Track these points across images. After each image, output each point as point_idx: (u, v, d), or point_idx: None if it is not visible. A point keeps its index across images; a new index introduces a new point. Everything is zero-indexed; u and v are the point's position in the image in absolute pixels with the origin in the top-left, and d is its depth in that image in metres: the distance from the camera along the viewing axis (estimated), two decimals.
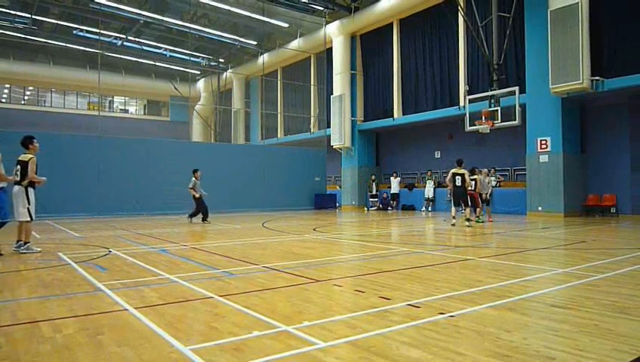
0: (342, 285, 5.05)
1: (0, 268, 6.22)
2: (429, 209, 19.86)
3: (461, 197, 12.56)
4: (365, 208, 22.90)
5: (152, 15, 24.96)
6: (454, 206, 12.75)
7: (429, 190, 19.95)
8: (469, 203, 12.79)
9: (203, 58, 32.49)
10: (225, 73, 32.06)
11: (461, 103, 18.45)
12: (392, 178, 21.91)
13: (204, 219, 14.31)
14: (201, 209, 14.31)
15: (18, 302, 4.29)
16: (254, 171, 21.38)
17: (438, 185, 20.18)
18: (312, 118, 27.50)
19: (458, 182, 12.42)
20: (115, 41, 29.26)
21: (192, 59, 29.27)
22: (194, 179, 14.15)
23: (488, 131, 16.18)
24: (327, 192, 24.81)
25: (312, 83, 27.53)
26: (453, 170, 12.67)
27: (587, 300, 4.21)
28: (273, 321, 3.56)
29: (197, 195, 14.13)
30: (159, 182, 18.65)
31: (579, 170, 16.12)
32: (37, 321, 3.64)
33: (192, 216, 14.32)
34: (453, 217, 12.67)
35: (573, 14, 14.27)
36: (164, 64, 32.18)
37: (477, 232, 11.03)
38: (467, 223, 12.45)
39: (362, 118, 23.83)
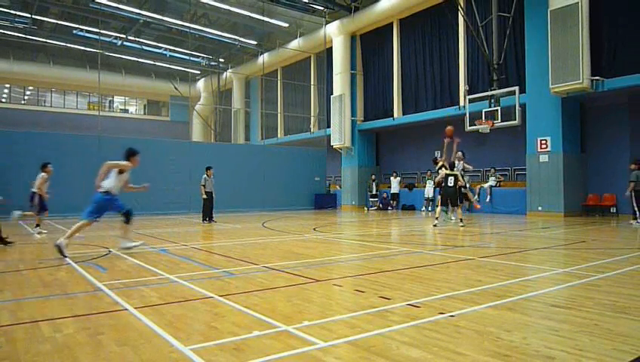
0: (342, 285, 5.05)
1: (0, 268, 6.22)
2: (429, 209, 19.86)
3: (451, 197, 12.54)
4: (365, 208, 22.91)
5: (152, 15, 24.96)
6: (441, 205, 12.91)
7: (428, 190, 19.95)
8: (460, 201, 12.80)
9: (203, 58, 32.49)
10: (225, 73, 32.06)
11: (461, 103, 18.45)
12: (392, 178, 21.91)
13: (204, 219, 14.32)
14: (204, 208, 14.33)
15: (18, 302, 4.29)
16: (254, 171, 21.37)
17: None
18: (312, 118, 27.50)
19: (450, 183, 12.39)
20: (115, 40, 29.26)
21: (192, 59, 29.31)
22: (205, 176, 14.20)
23: (488, 131, 16.19)
24: (331, 191, 24.86)
25: (312, 83, 27.53)
26: (446, 172, 12.62)
27: (587, 300, 4.21)
28: (273, 321, 3.56)
29: (202, 195, 14.19)
30: (159, 182, 18.63)
31: (579, 170, 16.13)
32: (37, 321, 3.64)
33: (209, 217, 14.37)
34: (437, 218, 12.66)
35: (573, 14, 14.27)
36: (164, 64, 32.19)
37: (477, 232, 11.03)
38: (461, 224, 12.26)
39: (362, 118, 23.83)
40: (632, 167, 12.85)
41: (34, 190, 10.99)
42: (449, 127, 12.57)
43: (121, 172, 7.46)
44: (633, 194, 12.64)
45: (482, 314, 3.75)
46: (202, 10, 25.65)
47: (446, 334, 3.25)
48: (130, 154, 7.74)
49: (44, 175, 11.09)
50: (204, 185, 14.18)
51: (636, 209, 12.63)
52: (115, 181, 7.44)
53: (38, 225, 11.09)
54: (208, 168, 14.35)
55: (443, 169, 12.78)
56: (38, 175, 11.08)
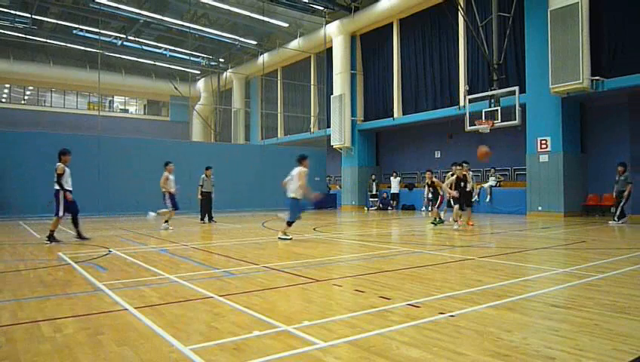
0: (342, 285, 5.05)
1: (0, 268, 6.22)
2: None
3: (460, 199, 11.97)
4: (365, 208, 22.90)
5: (152, 15, 24.96)
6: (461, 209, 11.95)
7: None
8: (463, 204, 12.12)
9: (203, 58, 32.50)
10: (225, 73, 32.08)
11: (461, 103, 18.45)
12: (392, 178, 21.91)
13: (202, 219, 14.24)
14: (201, 208, 14.27)
15: (18, 302, 4.29)
16: (254, 171, 21.36)
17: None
18: (312, 118, 27.50)
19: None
20: (115, 40, 29.27)
21: (192, 58, 29.30)
22: (203, 176, 14.12)
23: (488, 131, 16.18)
24: (332, 192, 24.83)
25: (312, 83, 27.53)
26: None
27: (587, 300, 4.21)
28: (273, 321, 3.56)
29: (198, 195, 14.13)
30: (159, 182, 18.62)
31: (579, 170, 16.12)
32: (37, 321, 3.64)
33: (209, 217, 14.31)
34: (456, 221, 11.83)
35: (573, 14, 14.27)
36: (164, 64, 32.20)
37: (477, 232, 11.02)
38: (455, 226, 11.74)
39: (362, 118, 23.83)
40: (621, 169, 12.97)
41: (163, 190, 11.97)
42: (484, 150, 11.77)
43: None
44: (626, 195, 12.82)
45: (482, 314, 3.75)
46: (202, 10, 25.65)
47: (446, 334, 3.25)
48: (302, 159, 9.27)
49: (166, 173, 11.96)
50: (201, 185, 14.12)
51: (619, 210, 12.89)
52: (294, 187, 9.17)
53: (166, 221, 11.95)
54: (207, 168, 14.32)
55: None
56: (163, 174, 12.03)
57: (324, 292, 4.69)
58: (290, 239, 9.26)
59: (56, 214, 8.86)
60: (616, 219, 12.89)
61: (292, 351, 2.91)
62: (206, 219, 14.30)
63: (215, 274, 5.71)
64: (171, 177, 12.13)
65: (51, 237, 8.80)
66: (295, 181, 9.16)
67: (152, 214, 12.31)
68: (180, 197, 18.90)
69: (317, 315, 3.75)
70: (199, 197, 14.16)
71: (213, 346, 3.03)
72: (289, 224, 9.40)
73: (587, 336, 3.19)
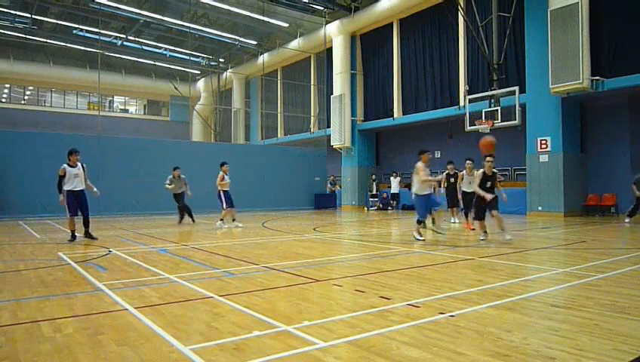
0: (342, 285, 5.04)
1: (0, 268, 6.22)
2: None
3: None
4: (365, 208, 22.89)
5: (152, 15, 24.96)
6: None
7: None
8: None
9: (203, 58, 32.50)
10: (225, 73, 32.08)
11: (461, 103, 18.46)
12: (392, 178, 21.90)
13: (192, 219, 13.96)
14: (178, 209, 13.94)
15: (18, 302, 4.29)
16: (254, 171, 21.35)
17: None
18: (312, 118, 27.51)
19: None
20: (115, 40, 29.27)
21: (192, 58, 29.30)
22: (170, 177, 13.61)
23: (488, 131, 16.18)
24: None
25: (312, 83, 27.53)
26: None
27: (587, 300, 4.21)
28: (273, 321, 3.56)
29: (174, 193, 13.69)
30: (159, 182, 18.61)
31: (579, 170, 16.12)
32: (37, 321, 3.64)
33: (180, 216, 13.92)
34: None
35: (573, 14, 14.27)
36: (164, 64, 32.19)
37: (477, 232, 11.00)
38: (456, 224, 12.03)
39: (362, 118, 23.84)
40: None
41: (219, 188, 12.27)
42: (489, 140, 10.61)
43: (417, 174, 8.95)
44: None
45: (482, 314, 3.75)
46: (202, 10, 25.65)
47: (446, 334, 3.25)
48: (420, 153, 9.17)
49: (222, 174, 12.22)
50: (169, 186, 13.44)
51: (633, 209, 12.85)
52: (416, 184, 8.98)
53: (234, 220, 12.40)
54: (175, 168, 13.62)
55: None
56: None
57: (324, 292, 4.69)
58: (424, 240, 8.86)
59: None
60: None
61: (292, 351, 2.91)
62: (187, 219, 13.80)
63: (215, 274, 5.70)
64: (226, 177, 12.38)
65: (72, 236, 9.22)
66: (414, 178, 9.01)
67: (220, 225, 12.31)
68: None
69: (317, 315, 3.75)
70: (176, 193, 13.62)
71: (213, 346, 3.04)
72: (419, 222, 9.08)
73: (587, 336, 3.19)
